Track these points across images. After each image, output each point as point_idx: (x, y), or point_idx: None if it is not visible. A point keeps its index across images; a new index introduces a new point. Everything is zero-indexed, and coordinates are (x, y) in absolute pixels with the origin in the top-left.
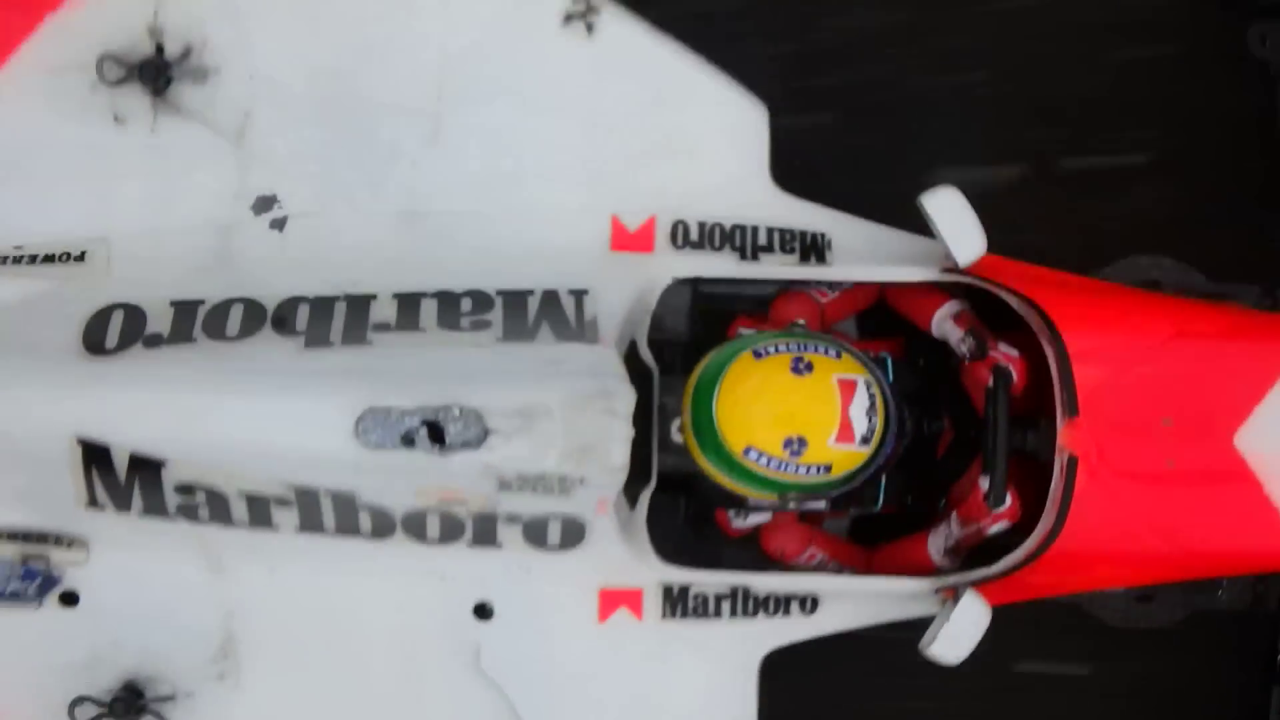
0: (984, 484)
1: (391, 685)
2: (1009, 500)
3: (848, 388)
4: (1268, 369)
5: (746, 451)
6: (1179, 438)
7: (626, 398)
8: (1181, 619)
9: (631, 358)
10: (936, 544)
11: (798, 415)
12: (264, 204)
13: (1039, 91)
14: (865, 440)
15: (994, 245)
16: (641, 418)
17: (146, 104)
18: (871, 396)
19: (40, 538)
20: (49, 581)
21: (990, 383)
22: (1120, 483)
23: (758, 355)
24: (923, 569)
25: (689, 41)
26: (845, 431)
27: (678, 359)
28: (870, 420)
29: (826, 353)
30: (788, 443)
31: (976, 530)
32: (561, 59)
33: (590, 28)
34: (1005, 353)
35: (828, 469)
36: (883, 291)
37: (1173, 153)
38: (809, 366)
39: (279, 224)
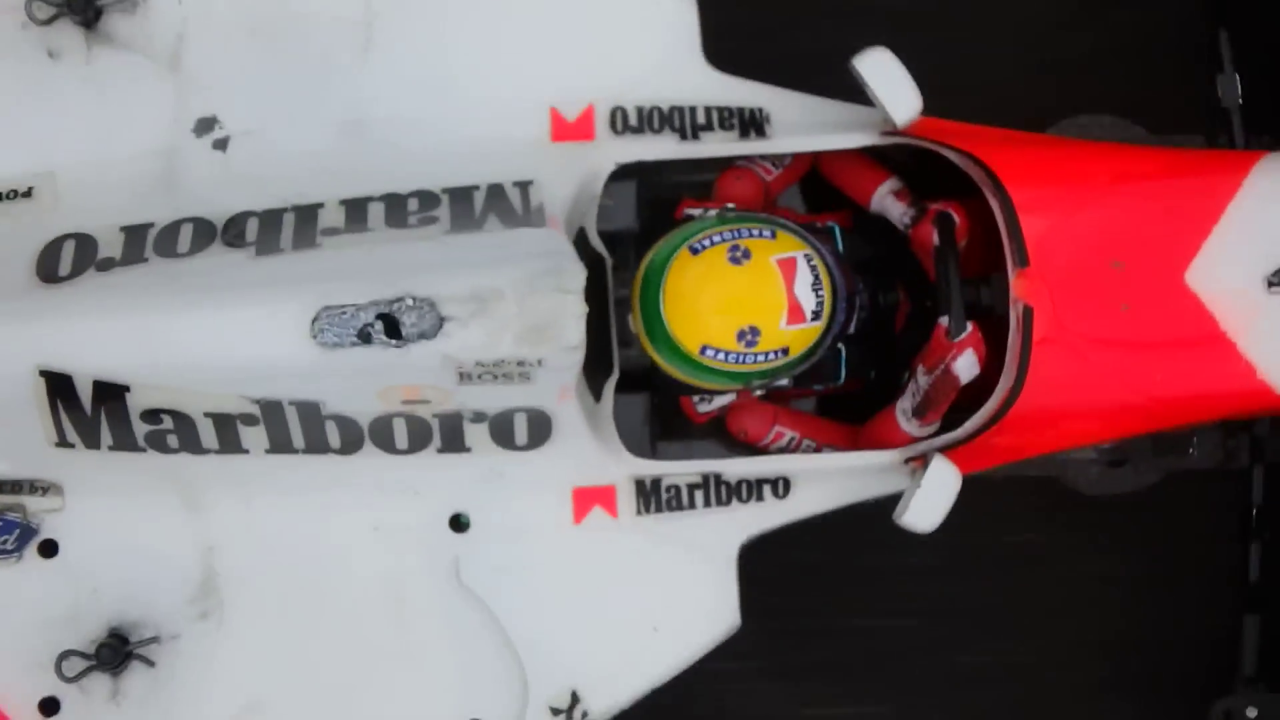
0: (943, 321)
1: (375, 608)
2: (969, 327)
3: (788, 267)
4: (1211, 204)
5: (703, 350)
6: (1130, 280)
7: (577, 274)
8: (1155, 481)
9: (582, 247)
10: (904, 407)
11: (745, 305)
12: (205, 125)
13: None
14: (816, 315)
15: (931, 110)
16: (597, 308)
17: (79, 37)
18: (814, 269)
19: (14, 486)
20: (27, 532)
21: (935, 236)
22: (1077, 330)
23: (694, 251)
24: (894, 441)
25: None
26: (794, 311)
27: (630, 252)
28: (817, 295)
29: (761, 234)
30: (740, 334)
31: (944, 371)
32: None
33: None
34: (945, 202)
35: (785, 351)
36: (819, 163)
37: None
38: (746, 253)
39: (221, 144)
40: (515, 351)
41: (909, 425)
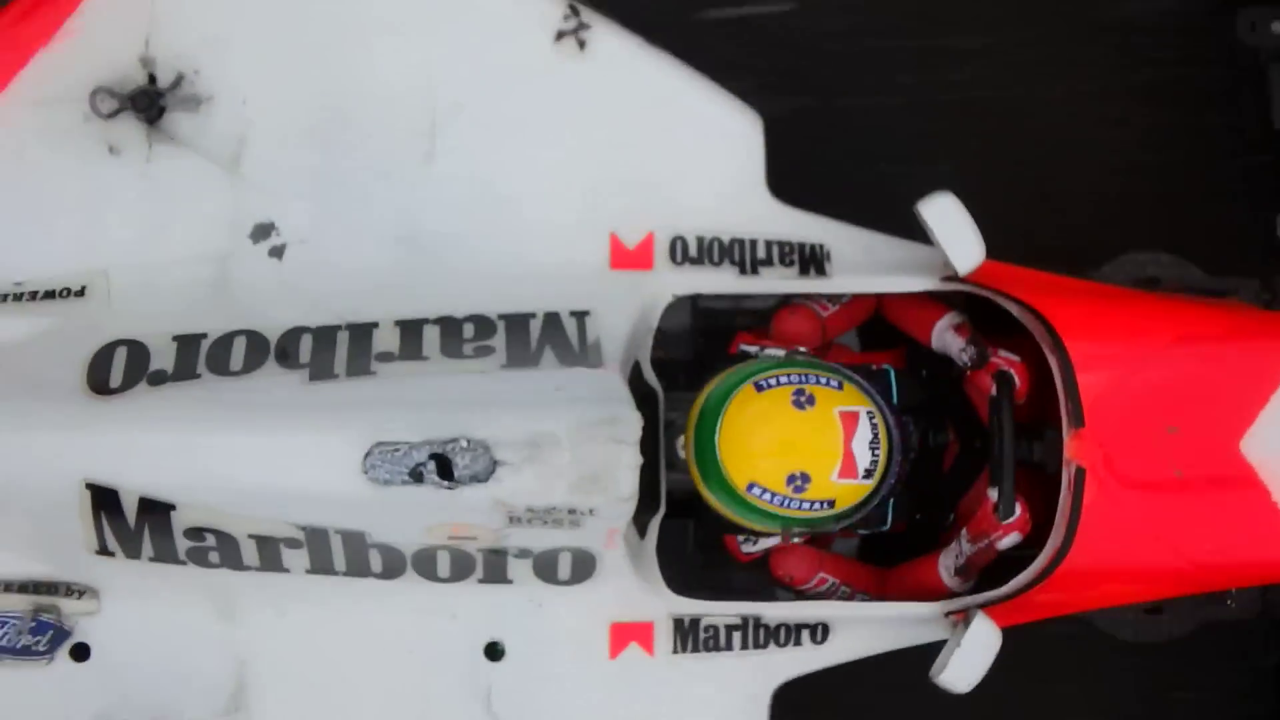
0: (993, 495)
1: None
2: (1018, 510)
3: (850, 420)
4: (1271, 372)
5: (750, 487)
6: (1185, 446)
7: (633, 424)
8: (1191, 630)
9: (635, 379)
10: (947, 564)
11: (800, 451)
12: (262, 231)
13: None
14: (868, 474)
15: (992, 248)
16: (648, 442)
17: (141, 134)
18: (874, 428)
19: (50, 588)
20: (60, 635)
21: (994, 389)
22: (1128, 494)
23: (759, 388)
24: (935, 590)
25: (681, 54)
26: (848, 466)
27: (681, 376)
28: (873, 453)
29: (828, 384)
30: (790, 479)
31: (987, 545)
32: (554, 76)
33: (582, 44)
34: (1007, 358)
35: (831, 504)
36: (880, 304)
37: (1164, 144)
38: (810, 400)
39: (278, 251)
40: (567, 500)
41: (951, 581)
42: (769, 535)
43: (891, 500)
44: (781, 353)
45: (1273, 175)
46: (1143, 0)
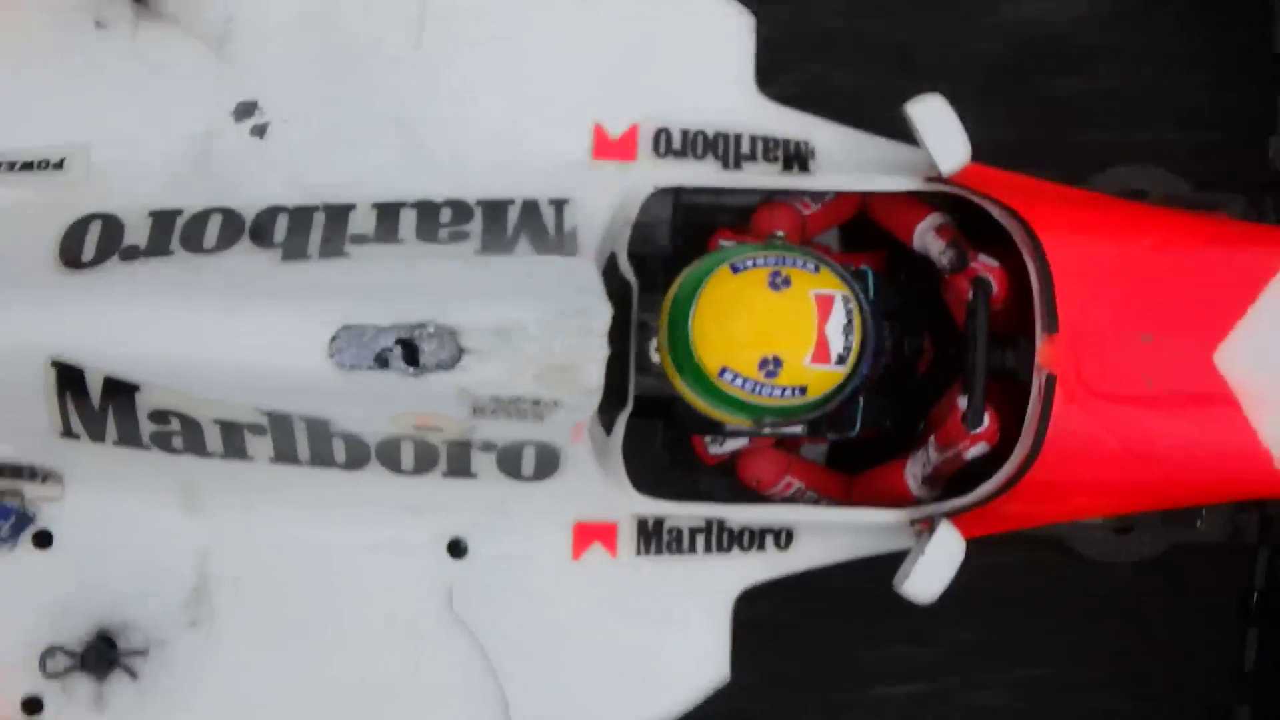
0: (962, 404)
1: (364, 628)
2: (987, 421)
3: (824, 304)
4: (1250, 284)
5: (722, 373)
6: (1159, 355)
7: (603, 315)
8: (1160, 551)
9: (611, 271)
10: (914, 471)
11: (773, 334)
12: (245, 110)
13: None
14: (841, 359)
15: (978, 151)
16: (619, 336)
17: (128, 9)
18: (849, 313)
19: (14, 471)
20: (23, 520)
21: (970, 296)
22: (1098, 404)
23: (735, 269)
24: (901, 497)
25: None
26: (821, 351)
27: (659, 274)
28: (847, 338)
29: (804, 266)
30: (763, 363)
31: (955, 454)
32: None
33: None
34: (985, 264)
35: (803, 390)
36: (865, 203)
37: (1166, 58)
38: (786, 281)
39: (259, 130)
40: (533, 390)
41: (918, 488)
42: (737, 437)
43: (861, 403)
44: None
45: (1270, 96)
46: None
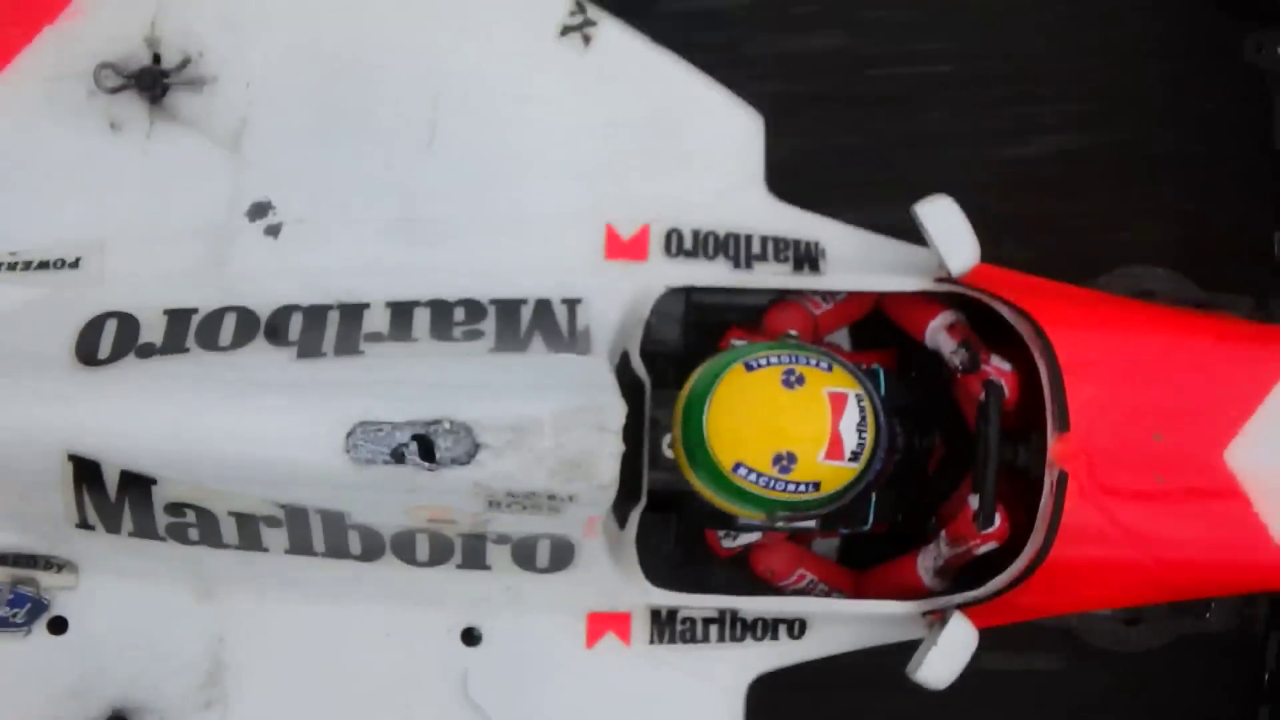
0: (974, 503)
1: (379, 713)
2: (998, 520)
3: (838, 401)
4: (1259, 383)
5: (735, 468)
6: (1169, 453)
7: (617, 412)
8: (1169, 641)
9: (624, 369)
10: (925, 564)
11: (788, 430)
12: (259, 210)
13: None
14: (855, 456)
15: (987, 255)
16: (632, 433)
17: (143, 111)
18: (862, 410)
19: (30, 560)
20: (38, 607)
21: (981, 397)
22: (1109, 500)
23: (749, 368)
24: (912, 590)
25: (686, 54)
26: (835, 448)
27: (670, 371)
28: (860, 436)
29: (818, 365)
30: (777, 459)
31: (965, 550)
32: (558, 70)
33: (587, 40)
34: (998, 366)
35: (816, 486)
36: (878, 301)
37: (1168, 160)
38: (800, 379)
39: (273, 230)
40: (548, 485)
41: (930, 580)
42: (750, 531)
43: (874, 498)
44: None
45: (1274, 195)
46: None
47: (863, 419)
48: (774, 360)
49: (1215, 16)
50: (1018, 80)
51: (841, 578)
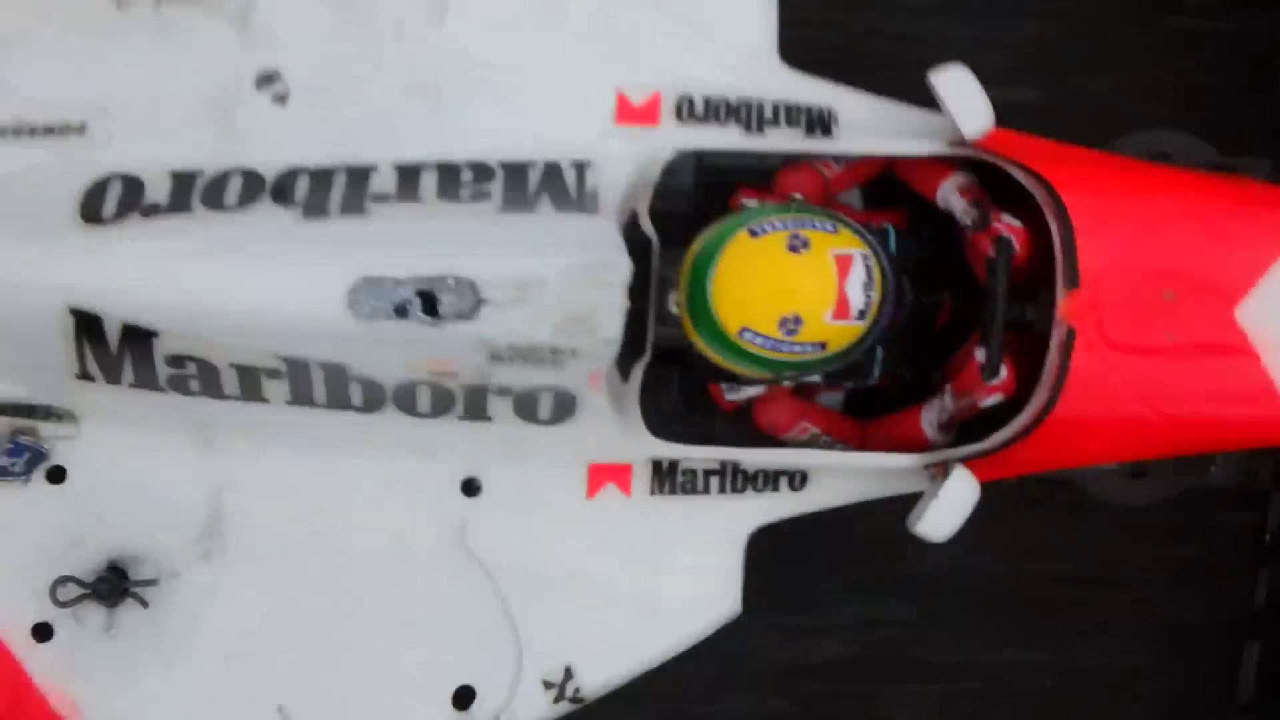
0: (980, 355)
1: (377, 563)
2: (1004, 373)
3: (844, 263)
4: (1272, 243)
5: (741, 332)
6: (1179, 311)
7: (623, 269)
8: (1174, 495)
9: (632, 229)
10: (930, 418)
11: (793, 294)
12: (266, 79)
13: None
14: (861, 315)
15: (1005, 118)
16: (639, 291)
17: None
18: (868, 269)
19: (29, 410)
20: (37, 456)
21: (991, 253)
22: (1117, 355)
23: (753, 234)
24: (916, 443)
25: None
26: (841, 308)
27: (681, 231)
28: (867, 295)
29: (823, 227)
30: (783, 322)
31: (970, 403)
32: None
33: None
34: (1009, 224)
35: (823, 346)
36: (889, 163)
37: (1182, 26)
38: (805, 243)
39: (281, 99)
40: (551, 339)
41: (934, 435)
42: (753, 384)
43: (880, 353)
44: None
45: None
46: None
47: (869, 278)
48: (779, 225)
49: None
50: None
51: (845, 429)
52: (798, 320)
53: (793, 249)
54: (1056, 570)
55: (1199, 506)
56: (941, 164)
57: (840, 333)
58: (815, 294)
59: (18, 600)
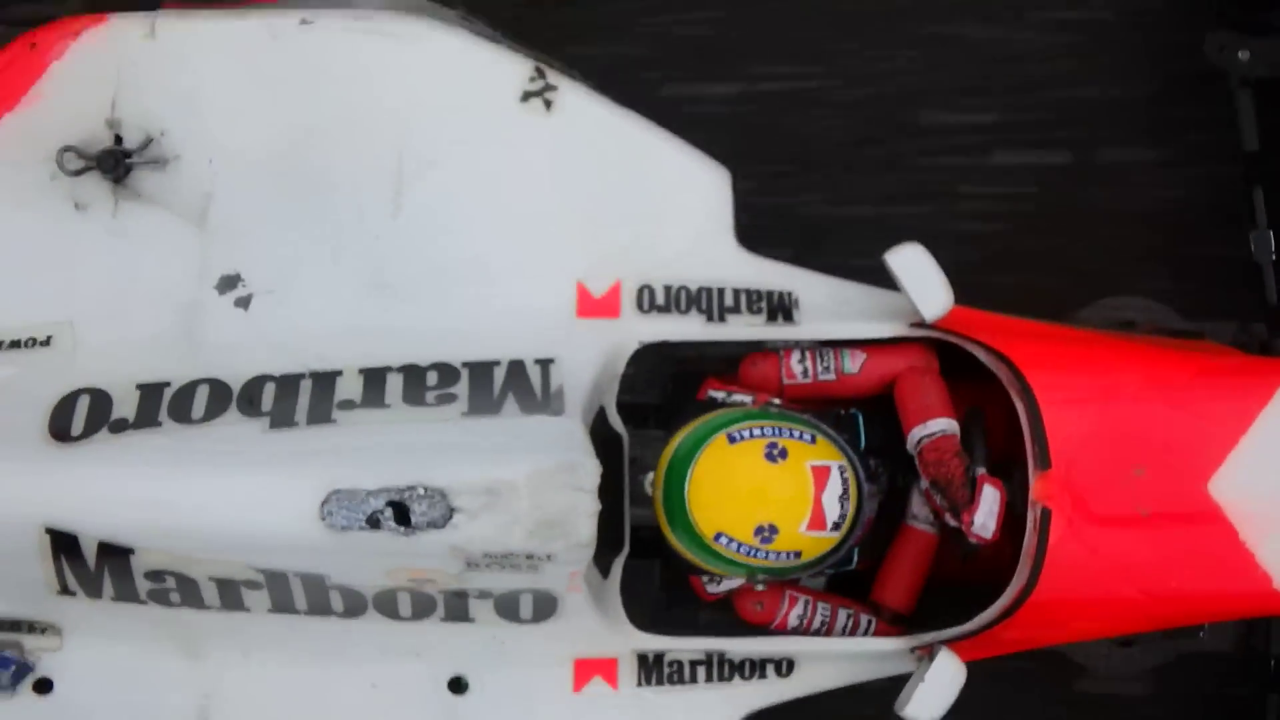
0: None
1: None
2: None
3: (821, 475)
4: (1241, 416)
5: (717, 537)
6: (1152, 487)
7: (592, 472)
8: (1163, 662)
9: (600, 424)
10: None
11: (770, 503)
12: (228, 283)
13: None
14: (836, 526)
15: (965, 290)
16: (611, 486)
17: (107, 191)
18: (845, 482)
19: (13, 625)
20: (22, 669)
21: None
22: (1093, 530)
23: (732, 440)
24: (926, 549)
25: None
26: (817, 519)
27: (650, 416)
28: (843, 506)
29: (801, 437)
30: (759, 530)
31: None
32: (522, 134)
33: (549, 104)
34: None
35: (798, 555)
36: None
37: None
38: (783, 453)
39: (243, 302)
40: (525, 545)
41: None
42: (733, 578)
43: (858, 546)
44: (749, 399)
45: (1246, 198)
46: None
47: (845, 490)
48: (757, 433)
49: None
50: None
51: (831, 596)
52: (773, 529)
53: (770, 458)
54: None
55: (1192, 671)
56: (906, 348)
57: (815, 543)
58: (791, 505)
59: None
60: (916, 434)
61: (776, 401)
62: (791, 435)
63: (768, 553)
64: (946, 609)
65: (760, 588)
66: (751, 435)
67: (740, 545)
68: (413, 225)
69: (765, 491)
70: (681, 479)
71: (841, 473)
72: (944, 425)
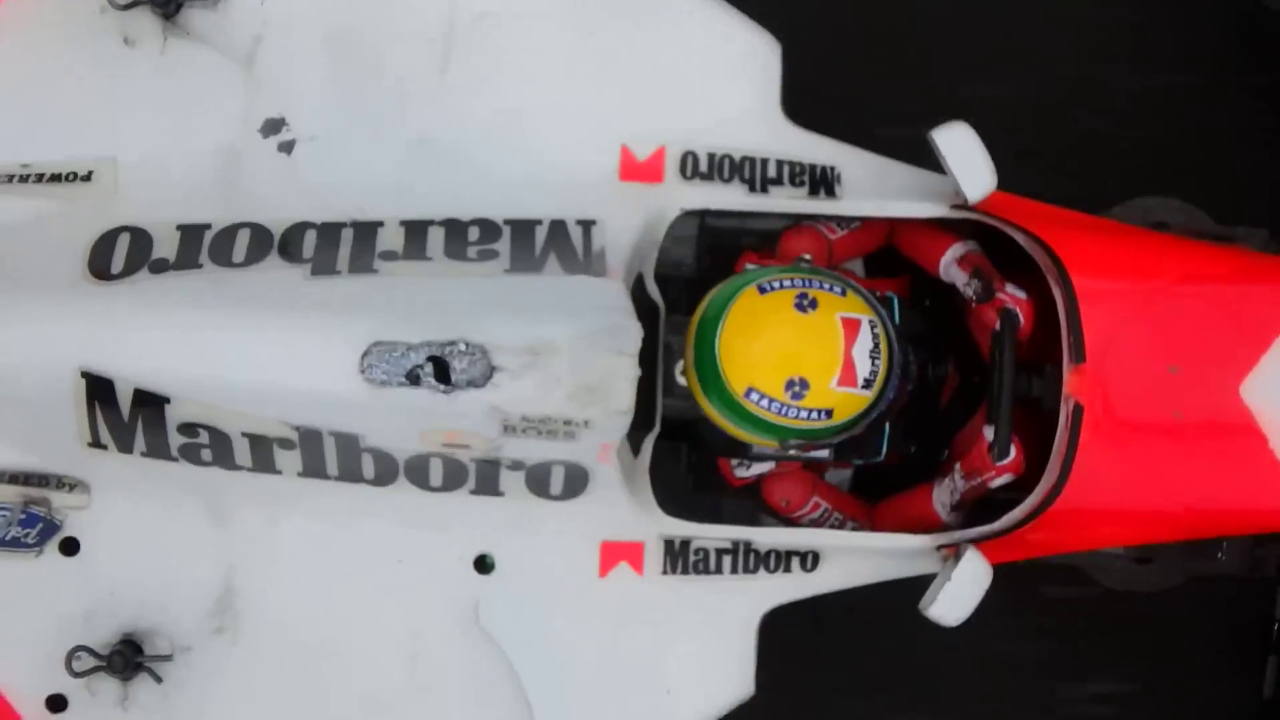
0: (988, 433)
1: (390, 641)
2: (1013, 453)
3: (851, 327)
4: (1273, 316)
5: (748, 393)
6: (1185, 386)
7: (634, 335)
8: (1180, 583)
9: (638, 292)
10: (942, 499)
11: (799, 356)
12: (272, 126)
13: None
14: (867, 384)
15: (1003, 181)
16: (647, 358)
17: (157, 27)
18: (875, 338)
19: (41, 480)
20: (49, 528)
21: (996, 326)
22: (1125, 435)
23: (762, 290)
24: (927, 523)
25: None
26: (847, 374)
27: (683, 296)
28: (873, 362)
29: (832, 289)
30: (789, 384)
31: (980, 483)
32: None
33: None
34: (1013, 294)
35: (829, 413)
36: (891, 233)
37: (1183, 95)
38: (813, 303)
39: (287, 147)
40: (563, 410)
41: (947, 515)
42: (763, 460)
43: (887, 429)
44: None
45: None
46: None
47: (876, 345)
48: (787, 284)
49: None
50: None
51: (855, 508)
52: (804, 384)
53: (800, 308)
54: (1060, 656)
55: (1206, 593)
56: (943, 234)
57: (846, 401)
58: (821, 358)
59: (32, 671)
60: (948, 258)
61: (807, 257)
62: (822, 287)
63: (799, 410)
64: (973, 511)
65: (793, 452)
66: (782, 286)
67: (771, 401)
68: (460, 83)
69: (794, 342)
70: (713, 335)
71: (872, 327)
72: (965, 246)
